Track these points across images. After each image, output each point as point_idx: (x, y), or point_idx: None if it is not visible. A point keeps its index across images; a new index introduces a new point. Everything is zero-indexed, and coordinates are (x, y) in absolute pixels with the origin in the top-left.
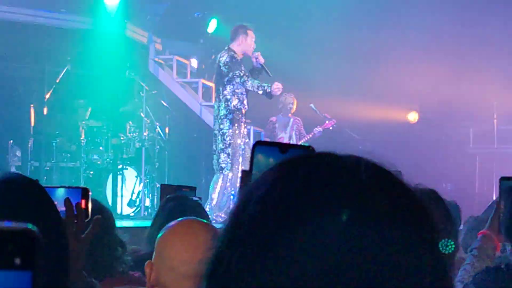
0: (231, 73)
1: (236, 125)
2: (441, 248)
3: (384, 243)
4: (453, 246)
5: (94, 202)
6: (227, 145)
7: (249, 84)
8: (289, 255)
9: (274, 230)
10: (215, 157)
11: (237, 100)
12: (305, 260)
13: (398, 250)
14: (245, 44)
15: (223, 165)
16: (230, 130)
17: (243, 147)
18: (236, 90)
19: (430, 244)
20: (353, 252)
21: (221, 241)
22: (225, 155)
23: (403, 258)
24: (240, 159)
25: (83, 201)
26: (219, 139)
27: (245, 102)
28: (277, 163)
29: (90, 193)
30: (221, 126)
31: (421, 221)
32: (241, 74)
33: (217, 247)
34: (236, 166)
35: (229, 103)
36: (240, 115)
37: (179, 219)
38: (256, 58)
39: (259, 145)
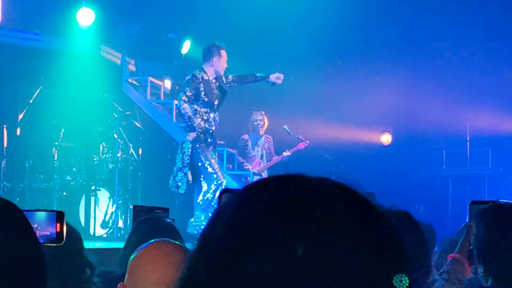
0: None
1: (198, 144)
2: (395, 283)
3: (350, 268)
4: (407, 281)
5: None
6: (185, 165)
7: (185, 106)
8: (251, 276)
9: (237, 252)
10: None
11: (200, 119)
12: (267, 282)
13: (366, 275)
14: (218, 65)
15: (180, 184)
16: (190, 150)
17: (212, 171)
18: (198, 109)
19: (400, 269)
20: (315, 277)
21: (190, 261)
22: (182, 174)
23: (372, 284)
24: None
25: (58, 225)
26: (179, 157)
27: (211, 117)
28: (246, 186)
29: (64, 217)
30: (183, 145)
31: (390, 245)
32: (182, 94)
33: (186, 267)
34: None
35: (189, 121)
36: (204, 135)
37: (151, 240)
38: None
39: (226, 193)
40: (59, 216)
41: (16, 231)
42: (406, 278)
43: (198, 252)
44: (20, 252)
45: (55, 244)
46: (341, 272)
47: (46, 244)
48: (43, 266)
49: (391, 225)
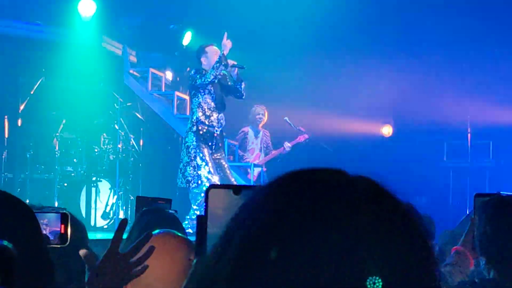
0: (194, 82)
1: (201, 138)
2: (368, 285)
3: (379, 260)
4: (381, 284)
5: None
6: (192, 158)
7: (209, 75)
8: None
9: (254, 265)
10: (179, 171)
11: (201, 113)
12: (290, 284)
13: (396, 267)
14: (207, 63)
15: (190, 179)
16: (194, 143)
17: (221, 163)
18: (202, 104)
19: (427, 257)
20: (346, 272)
21: (205, 266)
22: (191, 168)
23: (401, 275)
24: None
25: (62, 226)
26: (184, 152)
27: (213, 116)
28: (274, 179)
29: (69, 218)
30: (186, 139)
31: (418, 239)
32: (198, 75)
33: (201, 272)
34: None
35: (193, 116)
36: (207, 127)
37: (155, 232)
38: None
39: (212, 189)
40: (63, 218)
41: (22, 228)
42: (380, 280)
43: (213, 260)
44: (26, 250)
45: (59, 245)
46: (378, 264)
47: (50, 245)
48: (49, 265)
49: (424, 239)
